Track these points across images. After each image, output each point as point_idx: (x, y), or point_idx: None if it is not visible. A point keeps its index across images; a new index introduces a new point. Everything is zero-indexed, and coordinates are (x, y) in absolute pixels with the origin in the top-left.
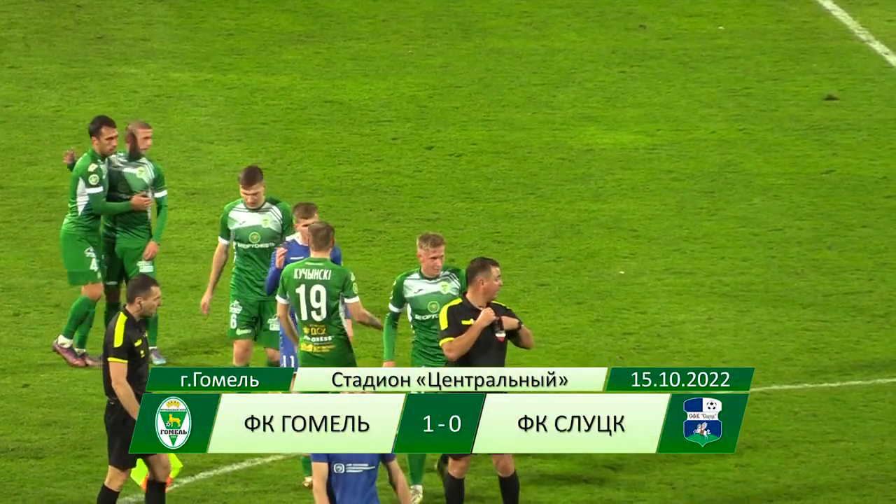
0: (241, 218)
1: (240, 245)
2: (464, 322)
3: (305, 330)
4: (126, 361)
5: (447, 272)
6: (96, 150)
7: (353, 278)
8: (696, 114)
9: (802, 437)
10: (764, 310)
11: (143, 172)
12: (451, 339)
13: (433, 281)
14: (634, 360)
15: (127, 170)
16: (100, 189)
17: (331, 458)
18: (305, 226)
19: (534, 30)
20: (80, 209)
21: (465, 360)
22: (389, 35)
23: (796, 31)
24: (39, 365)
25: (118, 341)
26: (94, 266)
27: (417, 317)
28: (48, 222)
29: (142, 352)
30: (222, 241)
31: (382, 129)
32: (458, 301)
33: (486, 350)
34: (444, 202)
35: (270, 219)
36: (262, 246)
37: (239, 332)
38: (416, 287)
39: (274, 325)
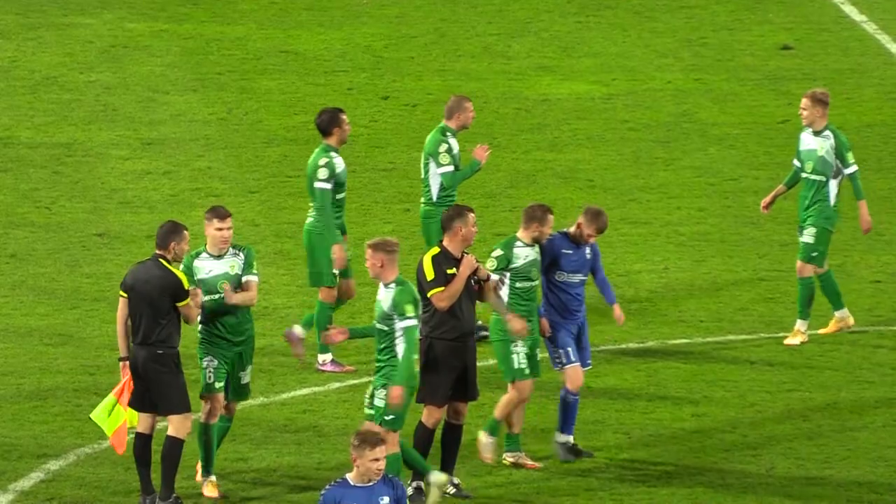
0: (208, 266)
1: (206, 296)
2: (448, 271)
3: None
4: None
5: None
6: (334, 142)
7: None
8: (651, 64)
9: (759, 386)
10: (720, 259)
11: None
12: (441, 288)
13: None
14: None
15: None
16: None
17: None
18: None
19: None
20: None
21: (450, 309)
22: None
23: None
24: None
25: (187, 284)
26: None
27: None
28: (4, 172)
29: None
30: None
31: (338, 79)
32: (436, 250)
33: (466, 298)
34: (399, 152)
35: (238, 264)
36: None
37: (217, 384)
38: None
39: (245, 377)
